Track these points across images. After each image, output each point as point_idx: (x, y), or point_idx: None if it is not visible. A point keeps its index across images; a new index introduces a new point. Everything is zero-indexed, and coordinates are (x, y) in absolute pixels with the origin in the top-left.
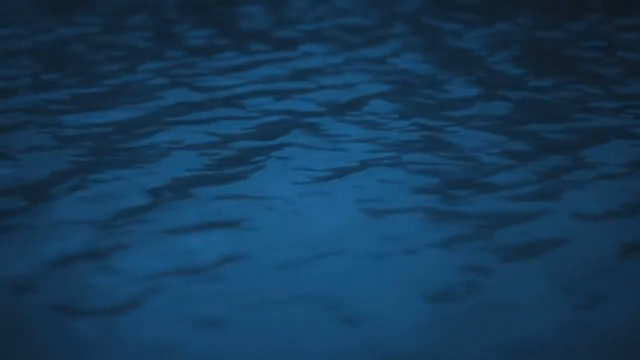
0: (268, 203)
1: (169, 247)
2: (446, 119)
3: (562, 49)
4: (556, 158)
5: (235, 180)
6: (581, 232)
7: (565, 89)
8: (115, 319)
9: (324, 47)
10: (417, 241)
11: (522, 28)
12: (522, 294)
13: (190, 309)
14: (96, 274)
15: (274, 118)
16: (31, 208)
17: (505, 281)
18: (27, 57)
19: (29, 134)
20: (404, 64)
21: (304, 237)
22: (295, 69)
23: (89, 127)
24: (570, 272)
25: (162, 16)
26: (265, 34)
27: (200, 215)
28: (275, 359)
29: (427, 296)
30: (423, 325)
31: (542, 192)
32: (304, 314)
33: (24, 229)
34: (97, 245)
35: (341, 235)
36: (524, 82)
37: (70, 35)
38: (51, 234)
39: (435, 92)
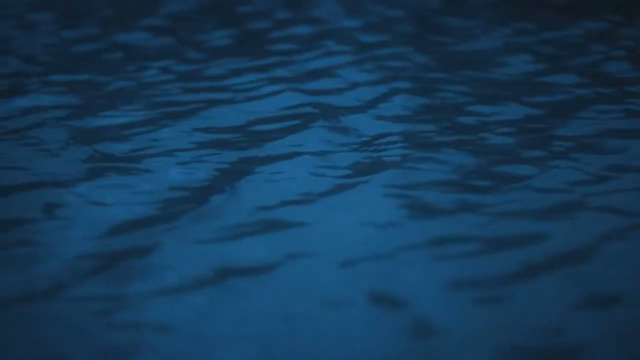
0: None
1: (290, 275)
2: (550, 122)
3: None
4: None
5: (344, 193)
6: None
7: None
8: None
9: (409, 47)
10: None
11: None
12: None
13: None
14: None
15: (375, 125)
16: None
17: None
18: (108, 59)
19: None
20: (513, 61)
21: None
22: (384, 69)
23: (191, 133)
24: None
25: (239, 15)
26: (346, 34)
27: (311, 236)
28: None
29: None
30: None
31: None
32: None
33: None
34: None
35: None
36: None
37: (147, 37)
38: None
39: (547, 94)
